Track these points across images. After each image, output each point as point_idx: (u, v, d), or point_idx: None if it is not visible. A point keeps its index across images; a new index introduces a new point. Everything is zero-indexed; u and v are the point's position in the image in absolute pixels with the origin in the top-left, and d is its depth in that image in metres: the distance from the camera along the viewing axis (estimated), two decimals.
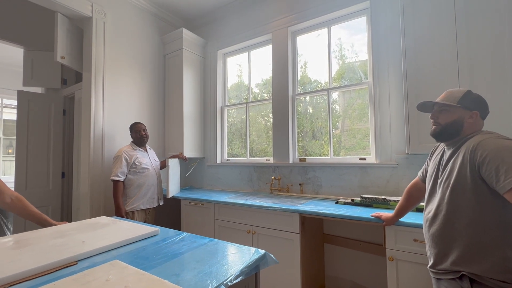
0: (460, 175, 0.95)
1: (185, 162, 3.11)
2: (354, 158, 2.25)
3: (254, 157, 2.95)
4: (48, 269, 0.78)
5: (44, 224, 1.30)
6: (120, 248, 1.00)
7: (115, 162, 2.20)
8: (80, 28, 2.58)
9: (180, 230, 2.48)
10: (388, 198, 1.79)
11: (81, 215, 2.45)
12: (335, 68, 2.50)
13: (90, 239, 1.03)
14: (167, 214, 2.91)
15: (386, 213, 1.50)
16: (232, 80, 3.25)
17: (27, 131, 2.86)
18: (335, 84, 2.47)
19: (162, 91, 3.13)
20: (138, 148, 2.34)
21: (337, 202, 2.00)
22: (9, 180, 3.18)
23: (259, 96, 3.07)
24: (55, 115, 3.06)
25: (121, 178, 2.17)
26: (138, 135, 2.34)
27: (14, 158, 2.82)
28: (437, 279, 1.01)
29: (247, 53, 3.05)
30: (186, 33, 2.96)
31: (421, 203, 1.49)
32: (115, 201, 2.14)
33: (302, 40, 2.67)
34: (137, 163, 2.24)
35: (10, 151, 5.21)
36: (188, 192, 2.76)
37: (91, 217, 2.34)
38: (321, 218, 1.76)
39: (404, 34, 1.78)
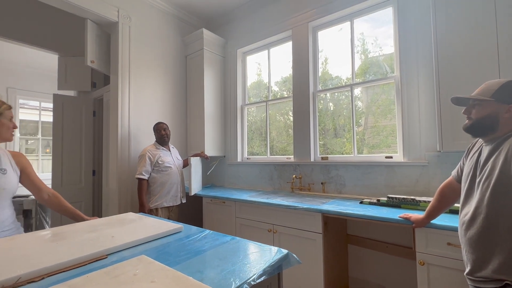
0: (503, 174, 0.86)
1: (206, 161, 3.17)
2: (379, 156, 2.15)
3: (274, 155, 2.93)
4: (81, 262, 0.83)
5: (77, 219, 1.38)
6: (146, 244, 1.04)
7: (140, 161, 2.30)
8: (108, 33, 2.71)
9: (202, 227, 2.53)
10: (418, 198, 1.69)
11: (110, 210, 2.58)
12: (357, 63, 2.40)
13: (118, 234, 1.08)
14: (190, 211, 2.98)
15: (416, 214, 1.41)
16: (251, 78, 3.25)
17: (62, 132, 3.06)
18: (358, 80, 2.37)
19: (184, 91, 3.20)
20: (161, 147, 2.41)
21: (361, 202, 1.93)
22: (47, 178, 3.43)
23: (279, 94, 3.04)
24: (86, 116, 3.25)
25: (145, 177, 2.25)
26: (159, 134, 2.41)
27: (51, 157, 3.04)
28: (476, 287, 0.93)
29: (266, 50, 3.03)
30: (207, 34, 3.00)
31: (455, 205, 1.39)
32: (139, 199, 2.23)
33: (323, 35, 2.60)
34: (160, 162, 2.31)
35: (47, 150, 5.62)
36: (209, 190, 2.80)
37: (119, 212, 2.46)
38: (344, 218, 1.70)
39: (435, 24, 1.67)
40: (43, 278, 0.73)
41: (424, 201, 1.64)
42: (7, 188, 1.17)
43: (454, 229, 1.27)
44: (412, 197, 1.73)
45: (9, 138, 1.22)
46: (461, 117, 1.49)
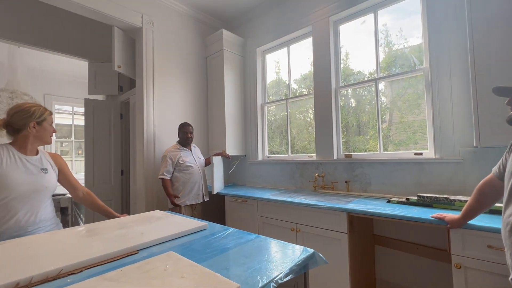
0: None
1: (228, 160, 3.20)
2: (408, 153, 2.05)
3: (296, 153, 2.90)
4: (115, 256, 0.87)
5: (109, 216, 1.45)
6: (174, 240, 1.07)
7: (162, 162, 2.39)
8: (132, 38, 2.83)
9: (225, 225, 2.56)
10: (452, 197, 1.59)
11: (138, 208, 2.70)
12: (381, 56, 2.30)
13: (147, 231, 1.12)
14: (212, 209, 3.03)
15: (451, 214, 1.32)
16: (270, 77, 3.24)
17: (92, 134, 3.25)
18: (382, 74, 2.27)
19: (204, 92, 3.26)
20: (182, 147, 2.48)
21: (389, 201, 1.85)
22: (80, 177, 3.66)
23: (298, 91, 2.99)
24: (114, 119, 3.43)
25: (167, 177, 2.34)
26: (185, 136, 2.47)
27: (83, 158, 3.24)
28: None
29: (286, 48, 3.00)
30: (226, 34, 3.03)
31: (496, 204, 1.28)
32: (167, 194, 2.34)
33: (344, 30, 2.52)
34: (181, 162, 2.38)
35: (80, 152, 6.01)
36: (231, 189, 2.83)
37: (146, 210, 2.56)
38: (371, 218, 1.64)
39: (470, 12, 1.55)
40: (81, 271, 0.77)
41: (460, 201, 1.53)
42: (49, 187, 1.26)
43: (496, 231, 1.17)
44: (446, 196, 1.62)
45: (49, 141, 1.31)
46: (501, 109, 1.38)
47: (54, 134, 1.34)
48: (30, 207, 1.19)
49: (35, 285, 0.69)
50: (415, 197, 1.73)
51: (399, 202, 1.79)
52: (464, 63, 1.73)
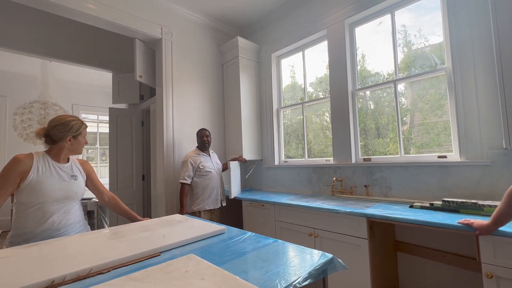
0: None
1: (244, 164, 3.23)
2: (431, 156, 1.97)
3: (312, 158, 2.87)
4: (139, 258, 0.91)
5: (132, 219, 1.52)
6: (194, 244, 1.10)
7: (183, 167, 2.44)
8: (152, 49, 2.97)
9: (242, 229, 2.58)
10: (481, 202, 1.50)
11: (159, 212, 2.78)
12: (399, 57, 2.24)
13: (169, 234, 1.16)
14: (230, 214, 3.07)
15: (479, 220, 1.25)
16: (285, 81, 3.25)
17: (116, 141, 3.42)
18: (401, 75, 2.21)
19: (221, 98, 3.33)
20: (202, 153, 2.54)
21: (411, 206, 1.78)
22: (104, 182, 3.85)
23: (314, 95, 2.98)
24: (136, 126, 3.58)
25: (187, 181, 2.39)
26: (201, 140, 2.54)
27: (107, 164, 3.40)
28: None
29: (301, 52, 3.01)
30: (241, 41, 3.09)
31: None
32: (180, 201, 2.38)
33: (359, 31, 2.49)
34: (201, 167, 2.43)
35: (104, 158, 6.31)
36: (248, 193, 2.85)
37: (166, 214, 2.64)
38: (392, 223, 1.59)
39: (495, 7, 1.48)
40: (109, 271, 0.82)
41: (489, 206, 1.45)
42: (78, 192, 1.35)
43: None
44: (474, 201, 1.54)
45: (80, 152, 1.42)
46: None
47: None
48: (62, 211, 1.27)
49: (68, 283, 0.74)
50: (440, 202, 1.66)
51: (422, 207, 1.72)
52: (489, 60, 1.65)
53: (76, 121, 1.34)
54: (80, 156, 5.56)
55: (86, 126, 1.39)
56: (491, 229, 1.19)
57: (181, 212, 2.36)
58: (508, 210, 1.12)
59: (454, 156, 1.86)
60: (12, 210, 1.24)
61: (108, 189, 1.60)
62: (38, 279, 0.73)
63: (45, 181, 1.22)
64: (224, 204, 2.59)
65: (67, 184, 1.30)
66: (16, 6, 2.72)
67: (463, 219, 1.33)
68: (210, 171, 2.48)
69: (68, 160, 1.38)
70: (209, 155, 2.59)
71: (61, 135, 1.29)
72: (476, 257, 1.28)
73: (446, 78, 1.92)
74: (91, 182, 1.48)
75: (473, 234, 1.27)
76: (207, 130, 2.60)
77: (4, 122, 4.72)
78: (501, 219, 1.15)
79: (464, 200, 1.56)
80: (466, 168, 1.76)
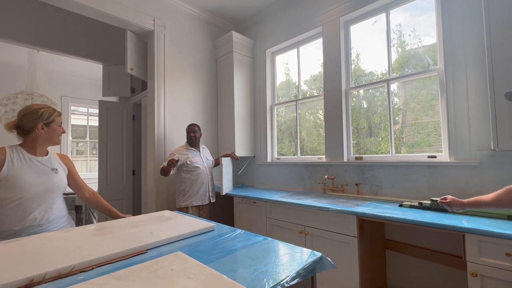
0: None
1: (236, 161, 3.21)
2: (421, 156, 1.99)
3: (305, 155, 2.87)
4: (124, 255, 0.89)
5: (113, 216, 1.48)
6: (182, 241, 1.08)
7: (168, 156, 2.37)
8: (144, 42, 2.90)
9: (233, 226, 2.57)
10: None
11: (149, 208, 2.74)
12: (393, 57, 2.25)
13: (157, 230, 1.14)
14: (220, 210, 3.05)
15: (455, 198, 1.30)
16: (279, 78, 3.23)
17: (106, 134, 3.34)
18: (395, 75, 2.22)
19: (214, 93, 3.29)
20: (190, 148, 2.50)
21: (401, 205, 1.80)
22: (94, 177, 3.77)
23: (308, 93, 2.97)
24: (127, 120, 3.51)
25: (164, 164, 2.18)
26: (189, 136, 2.50)
27: (97, 158, 3.33)
28: None
29: (295, 49, 2.99)
30: (236, 36, 3.05)
31: None
32: (168, 166, 2.16)
33: (355, 30, 2.48)
34: (188, 162, 2.40)
35: (94, 152, 6.18)
36: (240, 190, 2.84)
37: (156, 210, 2.61)
38: (382, 221, 1.60)
39: (488, 10, 1.49)
40: (92, 268, 0.79)
41: None
42: (60, 186, 1.30)
43: None
44: None
45: (57, 142, 1.34)
46: None
47: (64, 134, 1.37)
48: (44, 206, 1.23)
49: (49, 281, 0.72)
50: (428, 201, 1.68)
51: (411, 206, 1.74)
52: (481, 62, 1.67)
53: (46, 108, 1.28)
54: (69, 150, 5.43)
55: (60, 114, 1.32)
56: (465, 204, 1.24)
57: (170, 162, 2.13)
58: (494, 199, 1.12)
59: (443, 156, 1.88)
60: None
61: (97, 184, 1.56)
62: (17, 277, 0.70)
63: (22, 174, 1.18)
64: (212, 201, 2.56)
65: (47, 178, 1.25)
66: None
67: (440, 198, 1.37)
68: (198, 167, 2.45)
69: (47, 153, 1.33)
70: (199, 151, 2.56)
71: (31, 124, 1.23)
72: (462, 255, 1.31)
73: (438, 79, 1.94)
74: (71, 177, 1.43)
75: (459, 233, 1.29)
76: (196, 125, 2.55)
77: None
78: (477, 202, 1.18)
79: None
80: (455, 169, 1.78)
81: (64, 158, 1.43)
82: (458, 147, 1.78)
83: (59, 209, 1.30)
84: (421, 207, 1.69)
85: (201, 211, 2.48)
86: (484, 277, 1.23)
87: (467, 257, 1.27)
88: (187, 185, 2.41)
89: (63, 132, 1.34)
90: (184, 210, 2.37)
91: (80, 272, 0.77)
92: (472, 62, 1.73)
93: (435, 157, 1.91)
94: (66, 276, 0.75)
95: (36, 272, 0.72)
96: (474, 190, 1.70)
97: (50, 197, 1.26)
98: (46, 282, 0.71)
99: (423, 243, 1.88)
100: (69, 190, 1.43)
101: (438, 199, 1.62)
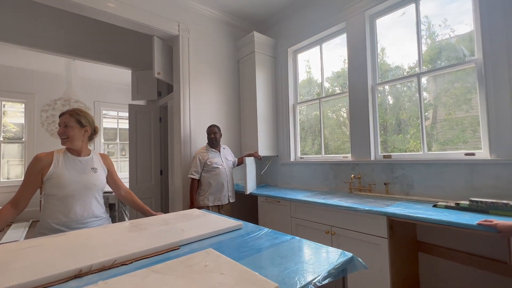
0: None
1: (259, 161, 3.23)
2: (457, 154, 1.87)
3: (329, 154, 2.82)
4: (159, 250, 0.93)
5: (146, 213, 1.55)
6: (211, 238, 1.11)
7: (192, 162, 2.51)
8: (170, 46, 3.01)
9: (257, 225, 2.59)
10: None
11: (176, 206, 2.85)
12: (423, 49, 2.13)
13: (187, 228, 1.18)
14: (241, 209, 3.08)
15: (504, 221, 1.17)
16: (301, 76, 3.19)
17: (135, 136, 3.52)
18: (425, 68, 2.10)
19: (237, 94, 3.33)
20: (211, 149, 2.55)
21: (435, 205, 1.70)
22: (124, 177, 3.99)
23: (330, 90, 2.91)
24: (154, 122, 3.67)
25: (195, 176, 2.44)
26: (209, 137, 2.55)
27: (126, 159, 3.52)
28: None
29: (318, 46, 2.94)
30: (257, 36, 3.06)
31: None
32: (190, 196, 2.45)
33: (379, 23, 2.38)
34: (208, 163, 2.46)
35: (123, 153, 6.53)
36: (264, 189, 2.85)
37: (183, 208, 2.70)
38: (414, 222, 1.53)
39: None
40: (132, 262, 0.84)
41: None
42: (97, 184, 1.40)
43: None
44: (505, 201, 1.45)
45: (64, 142, 1.40)
46: None
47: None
48: (83, 203, 1.33)
49: (95, 272, 0.78)
50: (467, 202, 1.57)
51: (447, 207, 1.64)
52: None
53: None
54: (102, 151, 5.79)
55: (60, 115, 1.39)
56: None
57: (191, 207, 2.40)
58: None
59: (483, 153, 1.75)
60: (40, 201, 1.31)
61: (127, 184, 1.65)
62: (68, 267, 0.76)
63: (64, 173, 1.29)
64: (232, 201, 2.58)
65: (87, 176, 1.36)
66: (40, 6, 2.82)
67: (483, 220, 1.25)
68: (218, 167, 2.49)
69: (89, 153, 1.43)
70: (219, 151, 2.60)
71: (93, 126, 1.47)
72: (508, 260, 1.21)
73: (476, 71, 1.81)
74: (110, 176, 1.53)
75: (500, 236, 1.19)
76: (216, 126, 2.58)
77: (33, 118, 5.00)
78: None
79: (494, 200, 1.47)
80: (497, 166, 1.65)
81: (105, 158, 1.54)
82: (500, 143, 1.64)
83: (99, 206, 1.40)
84: (458, 207, 1.58)
85: (221, 210, 2.52)
86: None
87: None
88: (206, 185, 2.46)
89: (59, 131, 1.39)
90: (204, 209, 2.43)
91: (121, 265, 0.82)
92: None
93: (473, 154, 1.78)
94: (109, 269, 0.80)
95: (83, 264, 0.79)
96: None
97: (89, 194, 1.36)
98: (92, 273, 0.77)
99: (461, 247, 1.76)
100: (106, 189, 1.53)
101: (478, 199, 1.52)
